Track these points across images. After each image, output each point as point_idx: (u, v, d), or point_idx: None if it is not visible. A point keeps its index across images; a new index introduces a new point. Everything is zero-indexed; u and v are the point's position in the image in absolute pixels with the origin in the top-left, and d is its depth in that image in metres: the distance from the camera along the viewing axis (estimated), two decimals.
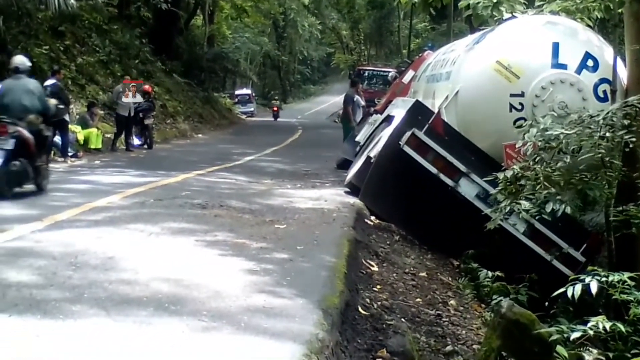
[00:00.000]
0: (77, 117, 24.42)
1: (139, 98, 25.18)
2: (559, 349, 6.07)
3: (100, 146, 23.81)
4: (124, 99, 22.96)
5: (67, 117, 20.72)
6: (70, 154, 20.58)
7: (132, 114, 24.76)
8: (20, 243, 8.40)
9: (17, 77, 13.10)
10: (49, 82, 20.21)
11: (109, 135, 25.04)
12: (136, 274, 7.05)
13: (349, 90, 24.70)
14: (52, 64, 24.14)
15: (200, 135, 35.59)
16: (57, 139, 20.35)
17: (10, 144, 12.03)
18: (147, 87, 28.00)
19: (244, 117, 59.20)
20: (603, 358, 6.13)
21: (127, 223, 10.01)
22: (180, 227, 9.91)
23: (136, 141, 26.18)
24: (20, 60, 13.63)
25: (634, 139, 8.73)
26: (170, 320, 5.66)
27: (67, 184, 14.38)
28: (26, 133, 12.38)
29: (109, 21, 34.59)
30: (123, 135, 25.13)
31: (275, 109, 63.08)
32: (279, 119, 59.46)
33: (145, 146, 25.85)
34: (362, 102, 24.37)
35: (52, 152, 19.95)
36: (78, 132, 22.78)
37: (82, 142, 22.90)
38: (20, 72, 13.22)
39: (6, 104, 12.68)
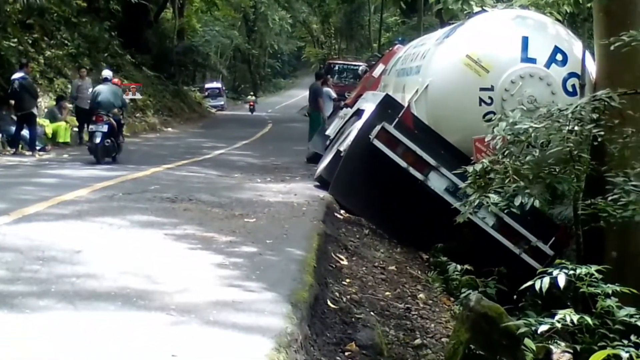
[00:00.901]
0: (46, 110, 24.26)
1: (139, 96, 24.99)
2: (527, 341, 6.10)
3: (68, 140, 23.69)
4: (123, 96, 22.60)
5: (35, 111, 20.60)
6: (38, 147, 20.45)
7: None
8: None
9: (105, 83, 19.51)
10: (17, 75, 20.11)
11: (78, 129, 24.87)
12: (104, 268, 7.01)
13: (315, 84, 24.61)
14: (20, 57, 23.91)
15: (169, 129, 35.41)
16: (25, 132, 20.25)
17: (105, 128, 18.20)
18: (116, 80, 27.82)
19: (214, 110, 58.99)
20: (570, 350, 6.17)
21: (95, 217, 9.95)
22: (149, 221, 9.86)
23: None
24: (107, 72, 20.41)
25: (602, 133, 8.75)
26: (139, 315, 5.63)
27: (35, 178, 14.28)
28: (113, 121, 18.65)
29: (78, 14, 34.27)
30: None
31: (251, 103, 65.38)
32: (254, 113, 61.25)
33: None
34: (334, 94, 24.35)
35: (20, 145, 19.85)
36: (46, 125, 22.65)
37: (50, 135, 22.78)
38: (107, 80, 19.61)
39: (99, 101, 18.77)
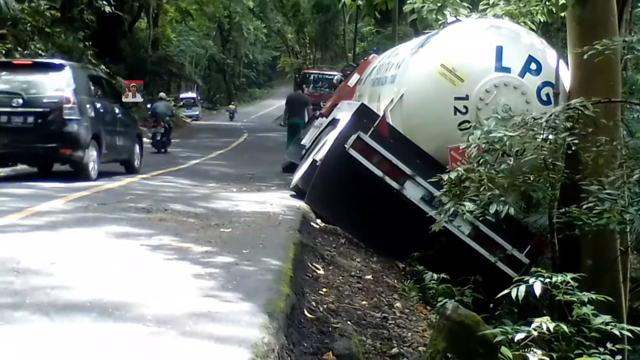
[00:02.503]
0: None
1: (139, 98, 24.57)
2: (504, 350, 6.11)
3: None
4: (123, 99, 21.35)
5: None
6: None
7: None
8: None
9: (160, 100, 32.42)
10: None
11: None
12: (79, 279, 6.95)
13: (298, 92, 24.77)
14: None
15: (144, 139, 35.20)
16: None
17: (162, 130, 29.86)
18: None
19: (189, 120, 58.94)
20: (547, 358, 6.17)
21: (70, 227, 9.88)
22: (125, 231, 9.81)
23: None
24: (162, 94, 34.90)
25: (576, 141, 8.82)
26: (115, 326, 5.58)
27: (9, 188, 14.16)
28: (167, 125, 30.30)
29: (52, 24, 34.14)
30: None
31: (231, 112, 70.30)
32: (234, 120, 66.58)
33: None
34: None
35: None
36: None
37: None
38: (162, 99, 33.06)
39: (157, 112, 30.63)
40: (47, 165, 18.05)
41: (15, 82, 16.34)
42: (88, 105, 16.75)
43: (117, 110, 18.90)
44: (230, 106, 74.60)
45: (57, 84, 16.21)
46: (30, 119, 15.84)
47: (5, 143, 15.96)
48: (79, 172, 16.46)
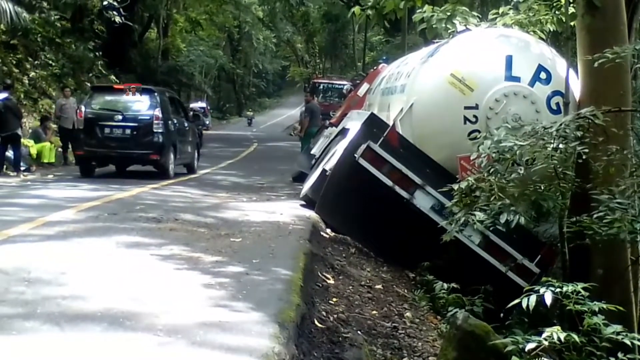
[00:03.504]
0: (30, 131, 24.20)
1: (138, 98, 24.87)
2: (514, 359, 6.10)
3: (53, 160, 23.64)
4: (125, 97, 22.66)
5: (19, 132, 20.52)
6: (22, 168, 20.38)
7: (76, 126, 24.60)
8: None
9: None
10: (0, 96, 20.02)
11: (62, 149, 24.81)
12: (90, 289, 6.97)
13: (313, 103, 25.40)
14: (4, 78, 23.95)
15: None
16: (10, 153, 20.16)
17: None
18: None
19: None
20: None
21: (80, 237, 9.91)
22: (135, 241, 9.82)
23: None
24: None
25: (586, 150, 8.80)
26: (125, 336, 5.59)
27: (20, 199, 14.23)
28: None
29: (62, 34, 34.31)
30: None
31: (249, 119, 76.71)
32: (251, 126, 71.89)
33: None
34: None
35: (5, 166, 19.77)
36: (31, 146, 22.60)
37: (35, 156, 22.73)
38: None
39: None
40: (124, 167, 21.87)
41: (115, 102, 20.75)
42: (169, 121, 20.90)
43: (185, 124, 23.18)
44: (248, 113, 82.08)
45: (148, 104, 20.58)
46: (128, 131, 20.14)
47: (109, 149, 20.21)
48: (162, 173, 20.47)
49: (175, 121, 21.75)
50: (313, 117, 24.48)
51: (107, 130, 20.09)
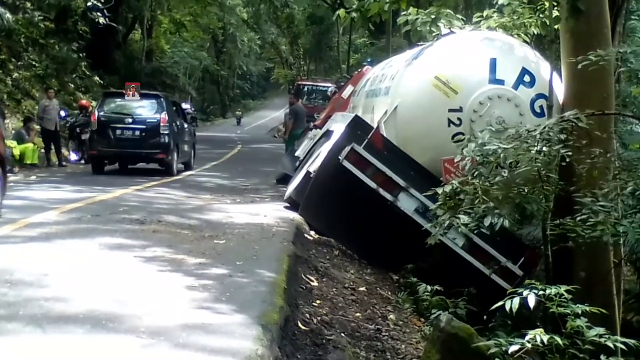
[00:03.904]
0: (13, 132, 24.09)
1: (137, 97, 24.93)
2: None
3: (36, 161, 23.53)
4: (125, 97, 23.18)
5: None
6: None
7: (58, 128, 24.66)
8: None
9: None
10: None
11: (44, 150, 24.71)
12: (73, 291, 6.94)
13: (299, 105, 25.42)
14: None
15: None
16: None
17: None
18: (84, 102, 28.09)
19: None
20: None
21: (63, 239, 9.87)
22: (118, 243, 9.79)
23: (73, 156, 26.03)
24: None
25: (570, 153, 8.83)
26: (108, 338, 5.58)
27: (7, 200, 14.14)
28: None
29: (46, 35, 34.10)
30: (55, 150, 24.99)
31: (238, 118, 79.57)
32: (240, 125, 74.86)
33: (83, 161, 25.63)
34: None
35: None
36: (14, 147, 22.45)
37: (17, 157, 22.58)
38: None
39: None
40: (128, 164, 23.69)
41: (125, 106, 22.78)
42: (173, 124, 22.91)
43: (185, 126, 25.32)
44: (238, 113, 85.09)
45: (155, 108, 22.73)
46: (137, 133, 22.17)
47: (121, 149, 22.18)
48: (167, 170, 22.47)
49: (178, 123, 23.83)
50: (297, 119, 24.45)
51: (118, 132, 22.10)
